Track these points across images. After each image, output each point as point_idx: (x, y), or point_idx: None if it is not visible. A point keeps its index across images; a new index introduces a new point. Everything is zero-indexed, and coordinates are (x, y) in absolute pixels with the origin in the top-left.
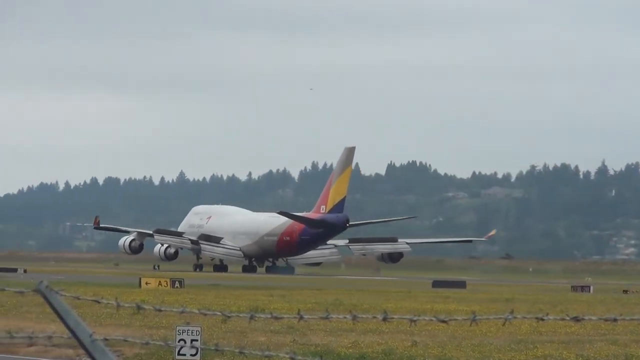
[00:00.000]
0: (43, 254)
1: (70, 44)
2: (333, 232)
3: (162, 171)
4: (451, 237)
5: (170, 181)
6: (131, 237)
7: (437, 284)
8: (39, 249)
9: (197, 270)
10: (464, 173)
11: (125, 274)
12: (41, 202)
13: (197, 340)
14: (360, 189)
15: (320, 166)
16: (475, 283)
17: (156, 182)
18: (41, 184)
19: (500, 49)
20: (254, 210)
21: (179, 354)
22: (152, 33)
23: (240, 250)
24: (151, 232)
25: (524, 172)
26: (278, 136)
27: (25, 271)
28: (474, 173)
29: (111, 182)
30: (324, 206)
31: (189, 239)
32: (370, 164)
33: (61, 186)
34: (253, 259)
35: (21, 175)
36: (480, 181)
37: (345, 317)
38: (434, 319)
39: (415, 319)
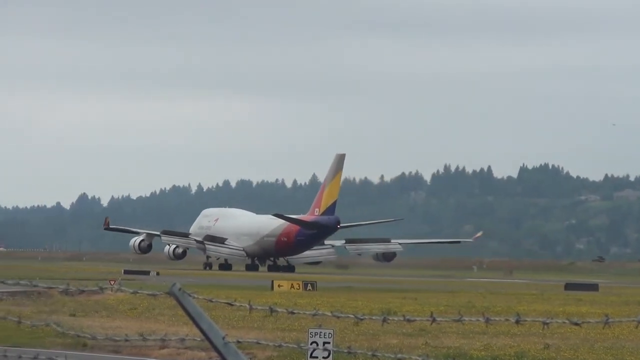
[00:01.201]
0: None
1: (215, 48)
2: (326, 233)
3: (295, 174)
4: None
5: (303, 184)
6: (141, 238)
7: (569, 286)
8: None
9: (207, 268)
10: (596, 175)
11: (257, 277)
12: (173, 204)
13: (329, 343)
14: (492, 191)
15: (453, 169)
16: (608, 286)
17: (288, 184)
18: (174, 186)
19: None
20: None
21: (311, 356)
22: (292, 38)
23: (243, 250)
24: (159, 233)
25: None
26: (411, 139)
27: (157, 274)
28: (606, 175)
29: (243, 184)
30: (317, 209)
31: (195, 240)
32: (503, 167)
33: (193, 189)
34: (255, 259)
35: (154, 178)
36: (612, 184)
37: (477, 320)
38: (566, 321)
39: (547, 321)
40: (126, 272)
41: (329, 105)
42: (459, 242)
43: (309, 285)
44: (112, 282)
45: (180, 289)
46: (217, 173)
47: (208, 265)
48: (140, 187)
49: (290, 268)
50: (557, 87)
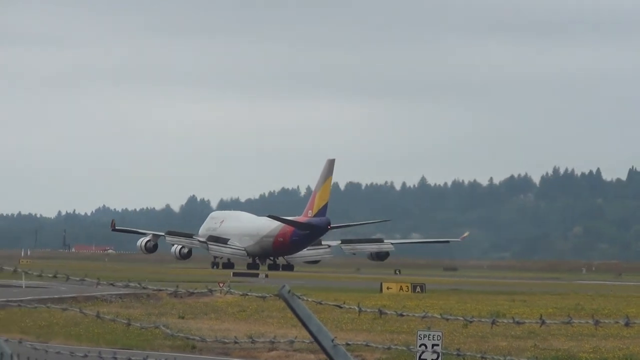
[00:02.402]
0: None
1: (329, 50)
2: (318, 233)
3: (403, 176)
4: None
5: (412, 186)
6: (147, 238)
7: None
8: None
9: (215, 267)
10: None
11: (366, 279)
12: (283, 206)
13: (438, 345)
14: (601, 193)
15: (562, 171)
16: None
17: (397, 187)
18: (282, 188)
19: None
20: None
21: (420, 358)
22: (405, 39)
23: (244, 250)
24: (163, 233)
25: None
26: (520, 141)
27: (266, 276)
28: None
29: (352, 187)
30: (310, 211)
31: (198, 240)
32: (612, 169)
33: (302, 191)
34: (256, 258)
35: (263, 180)
36: None
37: (587, 322)
38: None
39: None
40: (235, 274)
41: (439, 107)
42: (447, 241)
43: (418, 287)
44: (221, 285)
45: (289, 291)
46: None
47: (215, 265)
48: (249, 189)
49: (289, 267)
50: None
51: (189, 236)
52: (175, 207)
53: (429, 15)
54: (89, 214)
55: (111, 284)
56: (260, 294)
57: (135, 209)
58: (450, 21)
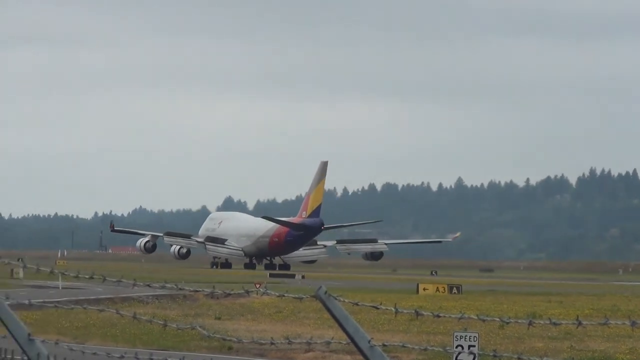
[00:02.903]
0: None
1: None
2: (312, 233)
3: (440, 177)
4: None
5: (448, 187)
6: (146, 239)
7: None
8: None
9: (214, 267)
10: None
11: (402, 280)
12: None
13: (474, 346)
14: (638, 195)
15: (598, 172)
16: None
17: (434, 188)
18: None
19: None
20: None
21: (456, 359)
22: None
23: (242, 250)
24: (162, 234)
25: None
26: (556, 142)
27: (303, 277)
28: None
29: (389, 188)
30: (304, 212)
31: (196, 240)
32: None
33: (339, 192)
34: (253, 258)
35: (300, 181)
36: None
37: (623, 323)
38: None
39: None
40: (272, 275)
41: (476, 108)
42: (440, 242)
43: (454, 288)
44: (258, 286)
45: (326, 292)
46: (362, 176)
47: (215, 265)
48: (286, 190)
49: (285, 266)
50: None
51: (187, 237)
52: (212, 208)
53: (471, 16)
54: (125, 215)
55: (148, 285)
56: (296, 295)
57: (171, 210)
58: (487, 21)
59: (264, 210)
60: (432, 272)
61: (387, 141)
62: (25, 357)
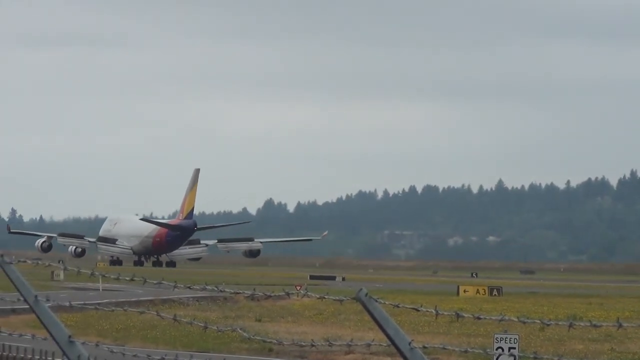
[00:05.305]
0: (361, 262)
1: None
2: (187, 234)
3: (481, 179)
4: None
5: (489, 189)
6: (43, 239)
7: None
8: (357, 257)
9: (114, 264)
10: None
11: (443, 282)
12: (359, 210)
13: (514, 348)
14: None
15: (639, 174)
16: None
17: (475, 190)
18: (359, 192)
19: None
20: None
21: None
22: (479, 41)
23: (131, 249)
24: (56, 235)
25: None
26: (597, 144)
27: (343, 279)
28: None
29: (430, 190)
30: (181, 214)
31: (88, 240)
32: None
33: (379, 194)
34: (141, 256)
35: (341, 183)
36: None
37: None
38: None
39: None
40: (312, 277)
41: (515, 109)
42: (310, 240)
43: (495, 290)
44: (298, 288)
45: (366, 295)
46: (403, 178)
47: (114, 262)
48: (326, 192)
49: (172, 264)
50: None
51: (80, 237)
52: (252, 211)
53: (514, 17)
54: (165, 217)
55: (188, 287)
56: (337, 297)
57: (212, 212)
58: (530, 22)
59: (305, 212)
60: (472, 274)
61: (427, 143)
62: (66, 359)
